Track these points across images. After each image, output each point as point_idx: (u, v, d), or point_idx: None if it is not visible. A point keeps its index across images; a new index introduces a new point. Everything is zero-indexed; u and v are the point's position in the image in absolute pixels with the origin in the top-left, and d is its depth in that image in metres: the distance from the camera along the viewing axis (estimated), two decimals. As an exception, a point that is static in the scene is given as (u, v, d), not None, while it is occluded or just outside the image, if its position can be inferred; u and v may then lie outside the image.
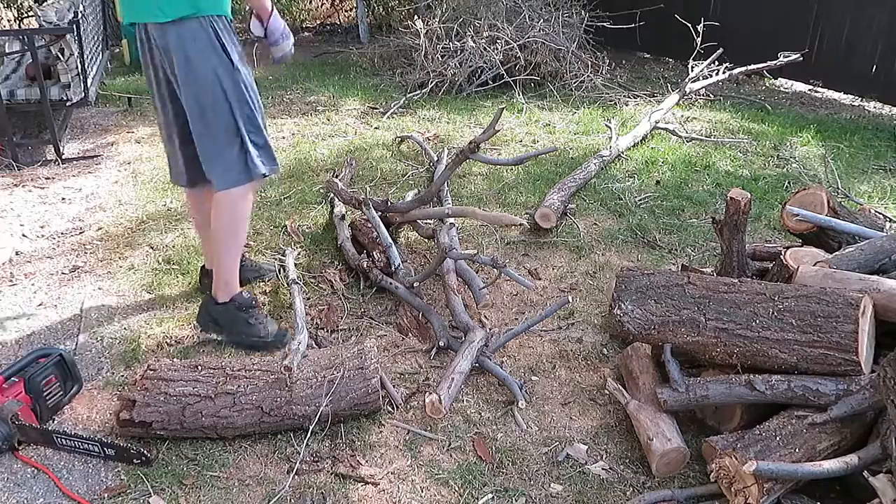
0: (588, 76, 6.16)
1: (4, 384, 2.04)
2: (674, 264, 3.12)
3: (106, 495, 1.87)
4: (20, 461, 1.98)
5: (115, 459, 1.98)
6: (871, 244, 2.35)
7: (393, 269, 2.82)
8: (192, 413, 1.98)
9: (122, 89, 5.81)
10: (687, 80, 5.58)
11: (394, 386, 2.28)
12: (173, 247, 3.21)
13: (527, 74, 6.04)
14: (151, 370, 2.06)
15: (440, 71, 5.96)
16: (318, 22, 10.24)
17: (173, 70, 2.20)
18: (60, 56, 4.23)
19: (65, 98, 4.27)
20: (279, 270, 2.95)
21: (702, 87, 5.66)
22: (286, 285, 2.83)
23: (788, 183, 4.06)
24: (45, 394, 2.08)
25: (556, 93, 5.95)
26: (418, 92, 5.87)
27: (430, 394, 2.12)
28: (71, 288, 2.89)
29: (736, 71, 5.70)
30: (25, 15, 7.43)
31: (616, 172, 4.20)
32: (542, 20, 6.27)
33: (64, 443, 2.00)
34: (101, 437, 2.01)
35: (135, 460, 1.96)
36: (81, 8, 4.72)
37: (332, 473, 1.96)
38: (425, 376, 2.39)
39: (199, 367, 2.08)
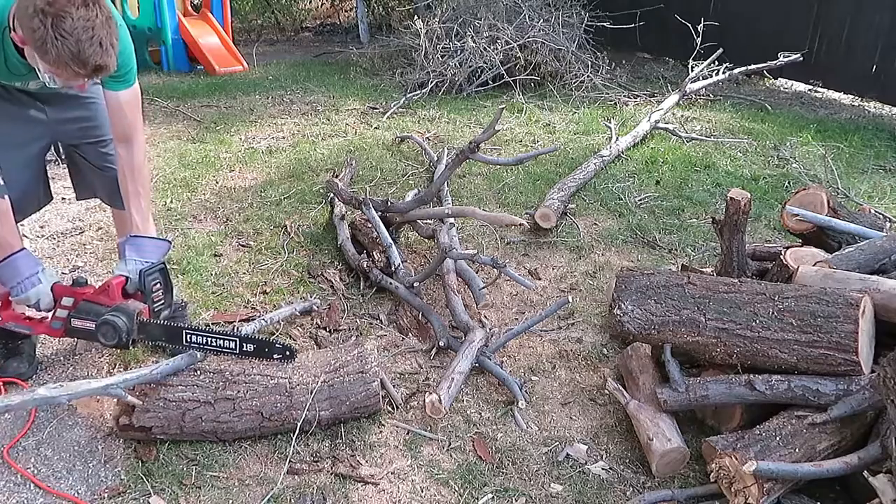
0: (588, 76, 6.16)
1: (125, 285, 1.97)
2: (674, 264, 3.12)
3: (106, 495, 1.87)
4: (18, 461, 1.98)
5: (252, 356, 1.95)
6: (871, 244, 2.35)
7: (393, 269, 2.82)
8: (192, 418, 1.97)
9: (122, 89, 5.80)
10: (687, 80, 5.58)
11: (394, 386, 2.28)
12: (173, 247, 3.21)
13: (527, 74, 6.04)
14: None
15: (440, 71, 5.96)
16: (318, 22, 10.24)
17: None
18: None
19: (65, 98, 4.27)
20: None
21: (702, 87, 5.66)
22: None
23: (788, 183, 4.06)
24: (154, 297, 2.01)
25: (556, 93, 5.95)
26: (418, 92, 5.87)
27: (430, 394, 2.12)
28: (71, 288, 2.89)
29: (736, 71, 5.70)
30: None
31: (616, 172, 4.20)
32: (542, 20, 6.27)
33: (193, 339, 1.93)
34: (240, 332, 1.95)
35: (276, 356, 1.92)
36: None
37: (332, 473, 1.96)
38: (425, 376, 2.39)
39: (199, 372, 2.06)
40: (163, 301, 2.05)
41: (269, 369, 2.09)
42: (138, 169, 2.15)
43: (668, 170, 4.24)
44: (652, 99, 5.88)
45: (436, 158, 4.13)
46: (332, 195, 3.41)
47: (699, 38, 5.75)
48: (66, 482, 1.92)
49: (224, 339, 1.96)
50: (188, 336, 1.96)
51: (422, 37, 6.12)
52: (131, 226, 2.13)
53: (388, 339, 2.59)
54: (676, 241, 3.37)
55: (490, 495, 1.91)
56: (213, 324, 2.60)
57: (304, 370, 2.09)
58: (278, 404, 2.01)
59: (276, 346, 1.95)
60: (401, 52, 6.79)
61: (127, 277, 2.00)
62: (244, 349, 1.95)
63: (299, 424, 2.01)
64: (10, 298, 2.02)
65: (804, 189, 2.67)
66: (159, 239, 2.16)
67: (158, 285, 2.02)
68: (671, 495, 1.87)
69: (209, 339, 1.96)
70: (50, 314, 2.03)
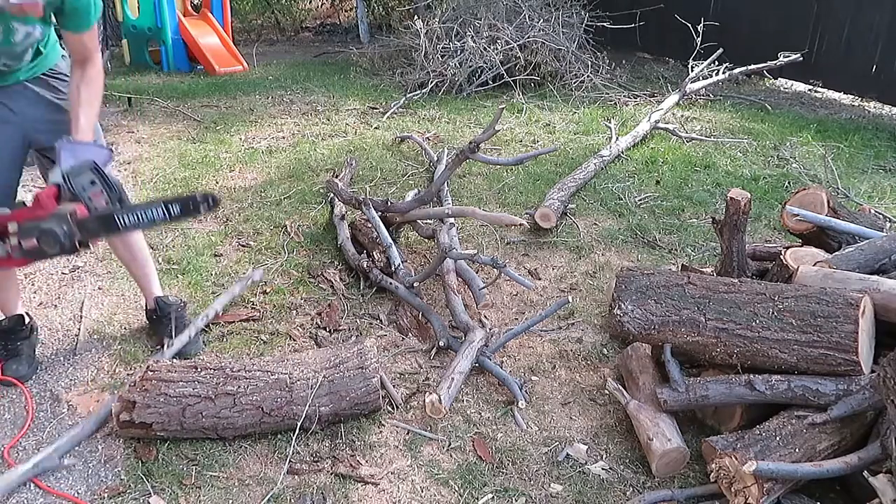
0: (588, 76, 6.16)
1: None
2: (674, 264, 3.12)
3: (106, 495, 1.87)
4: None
5: (182, 216, 1.93)
6: (871, 244, 2.35)
7: (393, 269, 2.82)
8: (193, 414, 1.98)
9: (122, 89, 5.81)
10: (687, 80, 5.59)
11: (394, 386, 2.28)
12: (173, 247, 3.22)
13: (527, 74, 6.04)
14: (151, 371, 2.05)
15: (440, 71, 5.96)
16: (318, 22, 10.25)
17: None
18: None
19: (65, 98, 4.26)
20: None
21: (702, 87, 5.67)
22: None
23: (788, 183, 4.06)
24: (91, 194, 1.89)
25: (556, 93, 5.95)
26: (418, 92, 5.87)
27: (430, 394, 2.12)
28: (71, 288, 2.89)
29: (736, 71, 5.71)
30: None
31: (616, 172, 4.20)
32: (542, 20, 6.28)
33: (127, 220, 1.89)
34: (163, 200, 1.91)
35: (202, 207, 1.90)
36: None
37: (332, 473, 1.96)
38: (425, 376, 2.39)
39: (199, 368, 2.07)
40: (107, 196, 1.93)
41: (270, 365, 2.10)
42: (93, 80, 2.09)
43: (668, 170, 4.24)
44: (652, 99, 5.88)
45: (436, 158, 4.13)
46: (332, 195, 3.41)
47: (699, 38, 5.75)
48: (66, 482, 1.92)
49: (152, 211, 1.90)
50: (121, 219, 1.90)
51: (422, 37, 6.12)
52: (75, 129, 2.03)
53: (388, 339, 2.59)
54: (676, 241, 3.37)
55: (490, 495, 1.91)
56: (213, 322, 2.61)
57: (304, 366, 2.10)
58: (279, 399, 2.02)
59: (197, 198, 1.90)
60: (401, 52, 6.79)
61: (59, 185, 1.89)
62: (171, 213, 1.91)
63: (300, 421, 2.01)
64: None
65: (804, 189, 2.67)
66: (100, 146, 2.05)
67: (93, 182, 1.90)
68: (671, 495, 1.87)
69: (140, 215, 1.90)
70: (7, 248, 1.91)
